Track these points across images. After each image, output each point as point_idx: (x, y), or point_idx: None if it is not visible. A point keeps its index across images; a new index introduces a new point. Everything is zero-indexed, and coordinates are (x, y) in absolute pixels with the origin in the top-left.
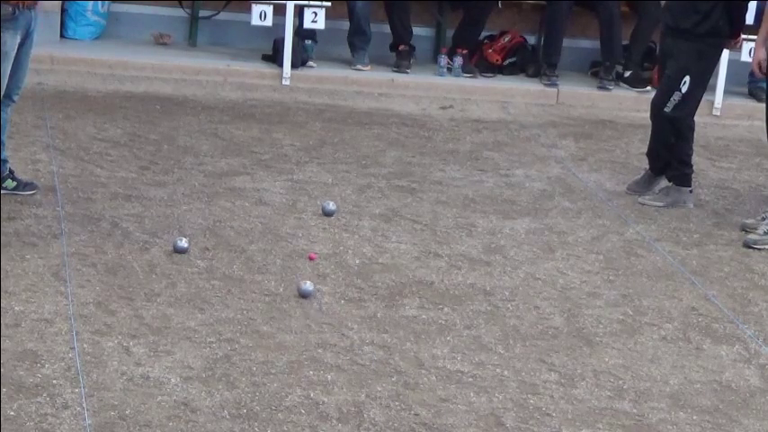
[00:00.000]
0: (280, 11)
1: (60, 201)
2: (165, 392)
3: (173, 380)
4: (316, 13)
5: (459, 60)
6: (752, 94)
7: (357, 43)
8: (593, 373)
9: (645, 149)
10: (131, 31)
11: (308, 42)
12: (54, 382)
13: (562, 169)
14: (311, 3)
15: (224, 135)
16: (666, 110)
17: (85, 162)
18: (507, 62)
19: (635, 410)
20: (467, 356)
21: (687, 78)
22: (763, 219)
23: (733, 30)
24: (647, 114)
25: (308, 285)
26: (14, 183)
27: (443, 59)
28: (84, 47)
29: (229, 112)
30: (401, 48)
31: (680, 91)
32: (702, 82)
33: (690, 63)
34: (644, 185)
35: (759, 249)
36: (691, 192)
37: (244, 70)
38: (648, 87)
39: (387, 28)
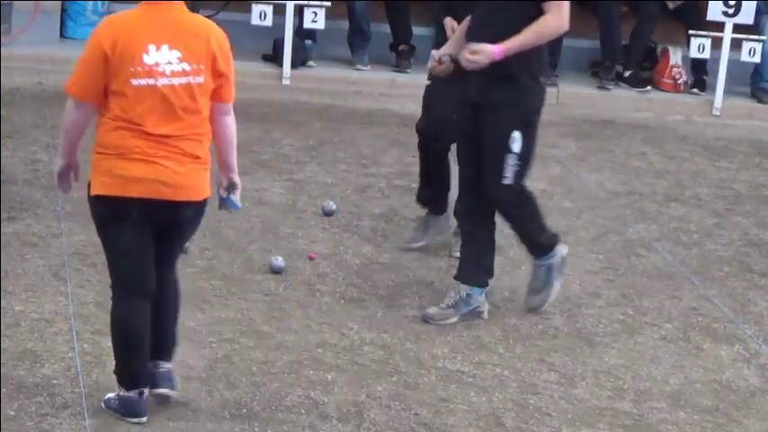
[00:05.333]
0: (280, 11)
1: (60, 201)
2: None
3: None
4: (316, 13)
5: None
6: (753, 95)
7: (357, 43)
8: (593, 373)
9: (645, 149)
10: None
11: (308, 42)
12: (54, 382)
13: (562, 169)
14: (311, 3)
15: None
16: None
17: (85, 162)
18: None
19: (635, 410)
20: (467, 356)
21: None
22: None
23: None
24: (648, 114)
25: (279, 261)
26: None
27: None
28: (84, 47)
29: None
30: (401, 48)
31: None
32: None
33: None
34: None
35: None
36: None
37: (244, 70)
38: (648, 87)
39: (387, 28)
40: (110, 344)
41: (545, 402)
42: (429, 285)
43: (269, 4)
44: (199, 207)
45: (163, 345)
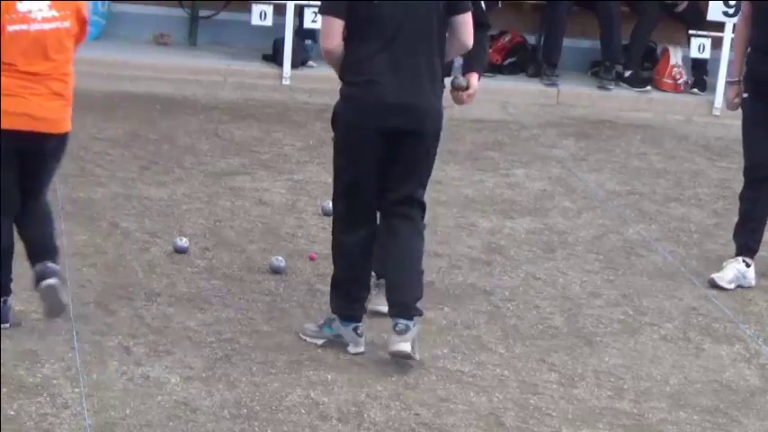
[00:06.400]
0: (280, 11)
1: (60, 201)
2: (165, 392)
3: (173, 380)
4: (316, 13)
5: (459, 60)
6: None
7: None
8: (594, 373)
9: (645, 149)
10: (131, 31)
11: (308, 42)
12: (54, 382)
13: (562, 169)
14: (311, 3)
15: (224, 135)
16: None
17: (85, 162)
18: (507, 62)
19: (635, 410)
20: (467, 356)
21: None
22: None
23: None
24: (648, 114)
25: (279, 261)
26: None
27: None
28: (84, 47)
29: (229, 112)
30: None
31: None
32: None
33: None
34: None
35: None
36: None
37: (244, 70)
38: (648, 87)
39: None
40: (110, 343)
41: (545, 402)
42: (429, 285)
43: (269, 4)
44: (62, 139)
45: (46, 247)
